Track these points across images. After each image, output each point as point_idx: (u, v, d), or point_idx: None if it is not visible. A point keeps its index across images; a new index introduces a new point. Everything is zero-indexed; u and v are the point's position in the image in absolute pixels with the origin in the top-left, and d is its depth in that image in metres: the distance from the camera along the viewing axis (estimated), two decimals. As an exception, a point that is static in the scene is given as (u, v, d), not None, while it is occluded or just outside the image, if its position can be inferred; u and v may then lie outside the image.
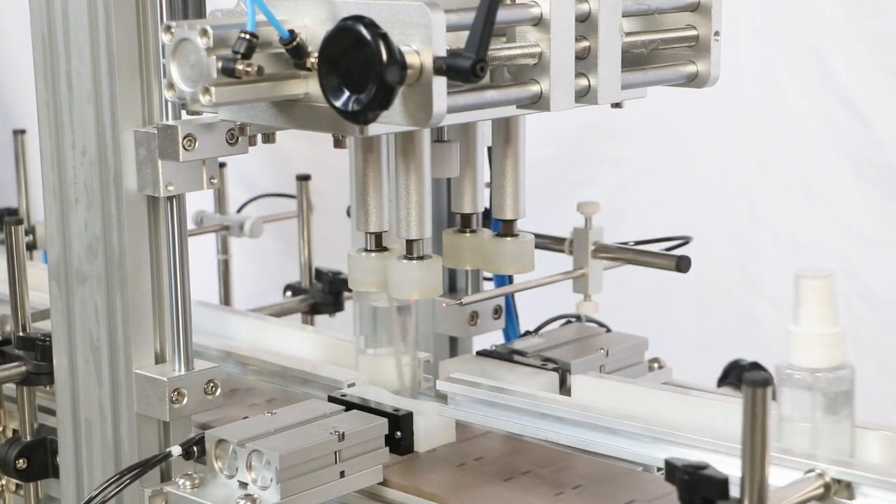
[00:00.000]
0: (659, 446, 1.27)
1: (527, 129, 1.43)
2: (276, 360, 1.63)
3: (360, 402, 1.45)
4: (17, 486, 1.57)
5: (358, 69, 1.09)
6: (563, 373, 1.49)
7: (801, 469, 1.17)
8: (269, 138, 1.33)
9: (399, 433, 1.41)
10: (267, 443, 1.29)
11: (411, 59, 1.09)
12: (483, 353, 1.55)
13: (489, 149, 1.46)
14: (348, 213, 1.80)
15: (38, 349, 1.50)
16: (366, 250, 1.39)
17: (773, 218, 2.48)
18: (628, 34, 1.29)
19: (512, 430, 1.40)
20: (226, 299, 2.23)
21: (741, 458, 0.99)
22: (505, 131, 1.42)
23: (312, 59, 1.15)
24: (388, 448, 1.37)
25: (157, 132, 1.29)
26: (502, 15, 1.14)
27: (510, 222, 1.45)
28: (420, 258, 1.36)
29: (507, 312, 1.72)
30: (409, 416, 1.42)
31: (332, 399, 1.46)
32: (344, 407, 1.41)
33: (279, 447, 1.28)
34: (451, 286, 1.73)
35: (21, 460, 1.51)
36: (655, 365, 1.62)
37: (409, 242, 1.35)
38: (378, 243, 1.39)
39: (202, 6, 1.32)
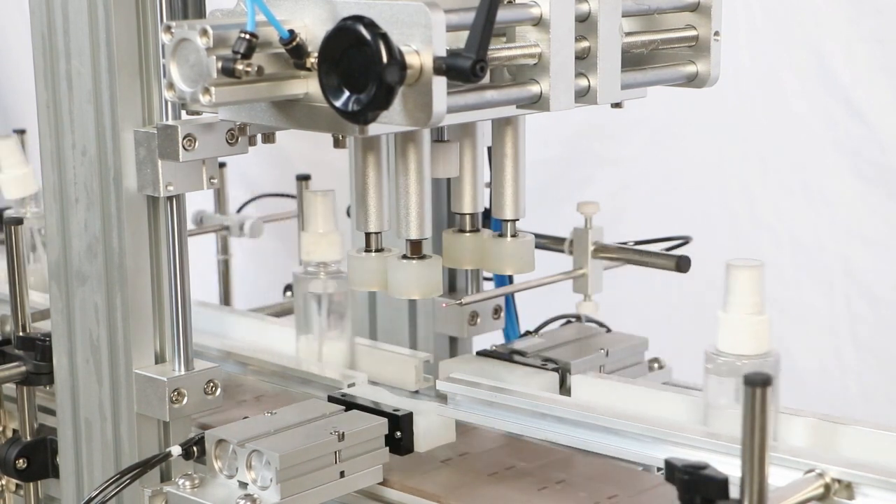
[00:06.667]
0: (659, 446, 1.27)
1: (527, 129, 1.43)
2: (276, 360, 1.63)
3: (359, 402, 1.45)
4: (17, 486, 1.57)
5: (358, 69, 1.09)
6: (563, 373, 1.50)
7: (801, 469, 1.17)
8: (269, 138, 1.33)
9: (399, 433, 1.41)
10: (267, 443, 1.29)
11: (411, 59, 1.09)
12: (483, 354, 1.55)
13: (489, 149, 1.46)
14: (348, 213, 1.80)
15: (38, 349, 1.50)
16: (366, 250, 1.39)
17: (773, 218, 2.48)
18: (628, 34, 1.29)
19: (512, 430, 1.41)
20: (226, 299, 2.23)
21: (741, 458, 0.99)
22: (505, 131, 1.42)
23: (312, 59, 1.15)
24: (388, 448, 1.37)
25: (157, 132, 1.29)
26: (502, 15, 1.14)
27: (510, 222, 1.45)
28: (420, 258, 1.35)
29: (507, 312, 1.72)
30: (409, 416, 1.42)
31: (331, 399, 1.46)
32: (344, 407, 1.41)
33: (279, 447, 1.28)
34: (451, 286, 1.73)
35: (21, 460, 1.51)
36: (655, 365, 1.62)
37: (410, 242, 1.35)
38: (378, 243, 1.39)
39: (202, 6, 1.32)
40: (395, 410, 1.42)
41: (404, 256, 1.35)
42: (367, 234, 1.37)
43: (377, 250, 1.38)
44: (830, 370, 2.45)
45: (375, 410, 1.42)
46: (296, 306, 1.67)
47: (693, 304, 2.54)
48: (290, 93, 1.18)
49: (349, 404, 1.43)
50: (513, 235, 1.44)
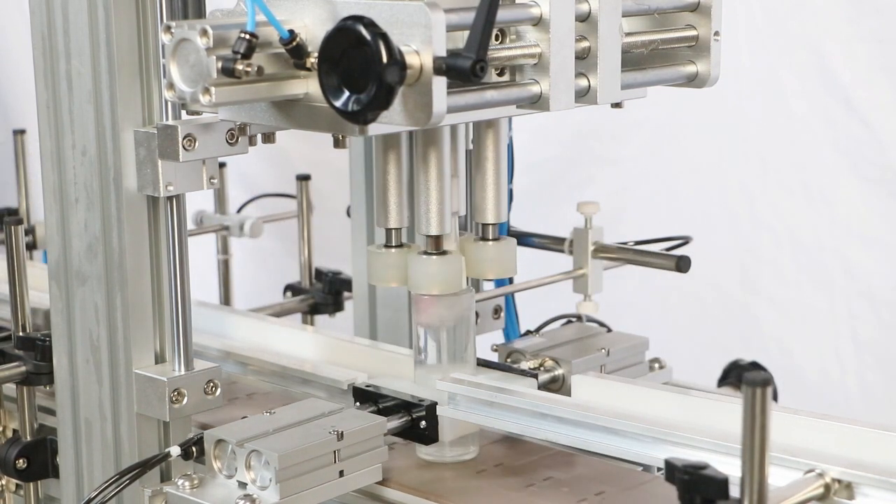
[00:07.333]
0: (659, 446, 1.27)
1: (526, 130, 1.43)
2: (276, 360, 1.62)
3: (384, 393, 1.43)
4: (17, 486, 1.57)
5: (358, 69, 1.09)
6: (563, 376, 1.50)
7: (801, 469, 1.17)
8: (269, 138, 1.33)
9: (424, 423, 1.41)
10: (266, 443, 1.29)
11: (411, 59, 1.09)
12: (481, 364, 1.53)
13: (468, 151, 1.46)
14: (348, 213, 1.80)
15: (38, 349, 1.50)
16: (386, 246, 1.39)
17: (773, 218, 2.48)
18: (628, 34, 1.29)
19: (512, 430, 1.40)
20: (226, 299, 2.23)
21: (741, 458, 0.99)
22: (486, 133, 1.42)
23: (312, 59, 1.15)
24: (409, 440, 1.37)
25: (157, 132, 1.29)
26: (502, 15, 1.14)
27: (491, 226, 1.44)
28: (441, 254, 1.36)
29: (507, 312, 1.71)
30: (434, 406, 1.41)
31: (356, 390, 1.45)
32: (357, 403, 1.42)
33: (278, 447, 1.28)
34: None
35: (21, 460, 1.51)
36: (655, 365, 1.62)
37: (430, 238, 1.36)
38: (398, 239, 1.40)
39: (202, 6, 1.32)
40: (419, 401, 1.41)
41: (425, 252, 1.36)
42: (388, 230, 1.38)
43: (397, 246, 1.39)
44: (830, 370, 2.45)
45: (400, 401, 1.42)
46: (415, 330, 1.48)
47: (693, 304, 2.55)
48: (290, 93, 1.18)
49: (374, 395, 1.43)
50: (494, 239, 1.44)
